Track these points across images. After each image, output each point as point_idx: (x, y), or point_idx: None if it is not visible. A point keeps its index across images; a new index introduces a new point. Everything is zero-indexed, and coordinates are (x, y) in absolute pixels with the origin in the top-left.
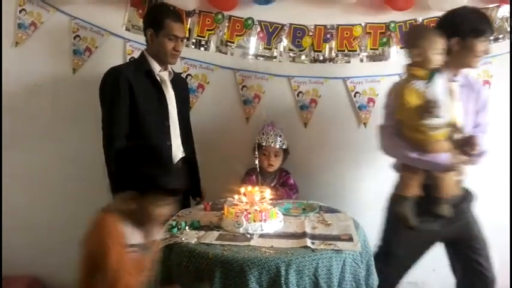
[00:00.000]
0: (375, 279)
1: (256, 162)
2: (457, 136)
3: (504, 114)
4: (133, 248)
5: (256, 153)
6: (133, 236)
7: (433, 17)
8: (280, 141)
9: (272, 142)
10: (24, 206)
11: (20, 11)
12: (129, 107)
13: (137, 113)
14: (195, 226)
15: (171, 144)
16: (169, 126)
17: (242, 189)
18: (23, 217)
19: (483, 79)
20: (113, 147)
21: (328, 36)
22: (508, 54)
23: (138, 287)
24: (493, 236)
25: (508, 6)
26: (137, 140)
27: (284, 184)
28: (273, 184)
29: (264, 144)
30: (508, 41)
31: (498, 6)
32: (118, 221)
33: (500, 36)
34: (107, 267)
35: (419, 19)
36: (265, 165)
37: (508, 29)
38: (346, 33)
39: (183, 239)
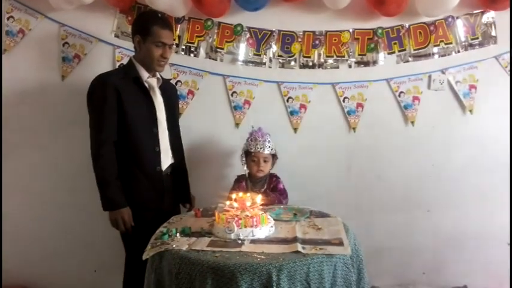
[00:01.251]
0: (366, 283)
1: (245, 168)
2: None
3: (490, 118)
4: None
5: (244, 159)
6: None
7: (420, 23)
8: (269, 146)
9: (261, 148)
10: (13, 215)
11: (8, 18)
12: (117, 113)
13: (125, 120)
14: (186, 233)
15: (159, 151)
16: (157, 132)
17: (233, 195)
18: (13, 226)
19: (469, 83)
20: (101, 154)
21: (317, 42)
22: (493, 59)
23: None
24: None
25: (492, 13)
26: None
27: (274, 189)
28: (263, 190)
29: (252, 150)
30: (491, 46)
31: (482, 12)
32: None
33: (485, 41)
34: None
35: (406, 25)
36: (255, 171)
37: (493, 34)
38: (335, 39)
39: (174, 245)
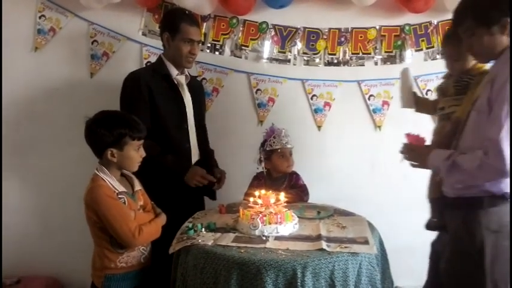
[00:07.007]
0: (390, 282)
1: (262, 166)
2: None
3: None
4: (122, 194)
5: (259, 156)
6: (119, 186)
7: (449, 19)
8: (290, 140)
9: (286, 143)
10: (42, 208)
11: (40, 17)
12: (149, 110)
13: (157, 116)
14: (211, 228)
15: (190, 146)
16: (187, 128)
17: (256, 192)
18: (41, 219)
19: None
20: None
21: (342, 39)
22: None
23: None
24: None
25: None
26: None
27: (294, 186)
28: (282, 187)
29: (278, 147)
30: None
31: None
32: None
33: None
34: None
35: (434, 21)
36: (285, 167)
37: None
38: (361, 36)
39: (199, 240)
